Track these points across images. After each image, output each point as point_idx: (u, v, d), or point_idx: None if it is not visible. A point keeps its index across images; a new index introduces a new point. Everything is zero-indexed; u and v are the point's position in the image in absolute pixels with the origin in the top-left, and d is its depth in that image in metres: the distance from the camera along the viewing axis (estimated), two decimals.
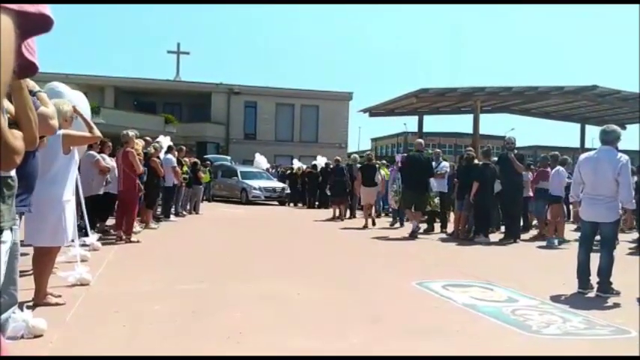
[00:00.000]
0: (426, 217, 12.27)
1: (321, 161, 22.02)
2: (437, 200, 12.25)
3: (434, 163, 12.27)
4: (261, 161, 27.66)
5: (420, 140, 12.82)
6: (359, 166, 14.79)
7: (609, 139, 6.03)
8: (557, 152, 11.85)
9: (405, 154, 13.33)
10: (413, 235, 10.87)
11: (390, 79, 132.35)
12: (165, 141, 13.25)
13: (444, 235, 11.56)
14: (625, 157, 5.87)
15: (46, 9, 1.66)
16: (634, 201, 5.91)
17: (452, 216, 12.51)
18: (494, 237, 10.79)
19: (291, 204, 22.06)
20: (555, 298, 5.61)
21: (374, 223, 13.27)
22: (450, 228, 11.94)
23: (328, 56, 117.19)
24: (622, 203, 6.04)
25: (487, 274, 6.97)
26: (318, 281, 6.34)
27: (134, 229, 9.39)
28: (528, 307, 5.29)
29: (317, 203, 20.17)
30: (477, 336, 4.31)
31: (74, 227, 5.46)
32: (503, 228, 11.38)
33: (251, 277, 6.41)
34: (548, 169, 11.45)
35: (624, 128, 28.50)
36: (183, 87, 37.20)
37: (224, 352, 3.68)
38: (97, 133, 5.46)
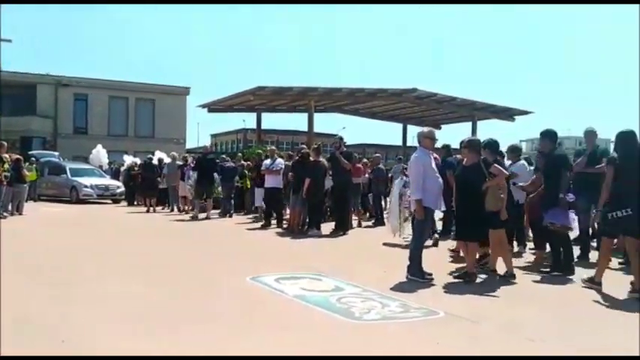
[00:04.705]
0: (263, 214, 12.79)
1: (159, 156, 21.11)
2: (219, 189, 15.40)
3: (269, 161, 12.82)
4: (101, 155, 25.96)
5: (207, 145, 17.01)
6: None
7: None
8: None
9: (197, 158, 16.56)
10: (194, 218, 13.95)
11: (230, 75, 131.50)
12: None
13: (279, 230, 11.91)
14: (413, 156, 6.77)
15: None
16: (415, 195, 6.60)
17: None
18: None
19: (127, 202, 20.77)
20: (377, 285, 6.06)
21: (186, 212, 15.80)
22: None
23: (165, 50, 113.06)
24: None
25: (318, 265, 7.34)
26: (151, 280, 6.22)
27: None
28: (352, 294, 5.69)
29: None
30: (305, 327, 4.57)
31: None
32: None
33: (85, 278, 6.10)
34: (360, 166, 12.84)
35: (439, 128, 31.51)
36: (4, 77, 33.53)
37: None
38: None
